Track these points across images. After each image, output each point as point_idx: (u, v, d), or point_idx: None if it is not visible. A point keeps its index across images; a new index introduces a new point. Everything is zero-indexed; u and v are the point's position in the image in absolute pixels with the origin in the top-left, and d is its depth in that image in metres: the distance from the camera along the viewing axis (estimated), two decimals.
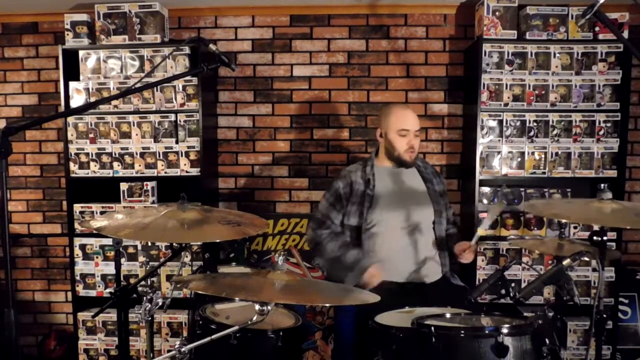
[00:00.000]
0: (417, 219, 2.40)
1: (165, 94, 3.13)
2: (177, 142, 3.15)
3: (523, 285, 3.03)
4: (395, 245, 2.38)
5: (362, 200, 2.41)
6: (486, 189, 3.13)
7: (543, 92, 3.05)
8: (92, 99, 3.10)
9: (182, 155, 3.14)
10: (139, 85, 1.80)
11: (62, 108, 3.19)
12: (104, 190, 3.25)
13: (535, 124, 3.06)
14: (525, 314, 1.94)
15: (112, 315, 3.17)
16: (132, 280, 2.89)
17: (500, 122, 3.06)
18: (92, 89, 3.15)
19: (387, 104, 3.38)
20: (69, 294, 3.44)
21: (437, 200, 2.47)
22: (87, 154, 3.18)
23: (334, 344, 3.07)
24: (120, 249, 2.36)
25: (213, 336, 1.54)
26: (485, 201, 3.12)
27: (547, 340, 1.68)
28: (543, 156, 3.07)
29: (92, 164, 3.18)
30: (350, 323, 2.38)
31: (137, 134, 3.15)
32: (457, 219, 2.62)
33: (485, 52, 3.02)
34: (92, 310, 3.15)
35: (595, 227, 1.87)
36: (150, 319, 1.89)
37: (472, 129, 3.14)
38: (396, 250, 2.37)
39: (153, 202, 3.19)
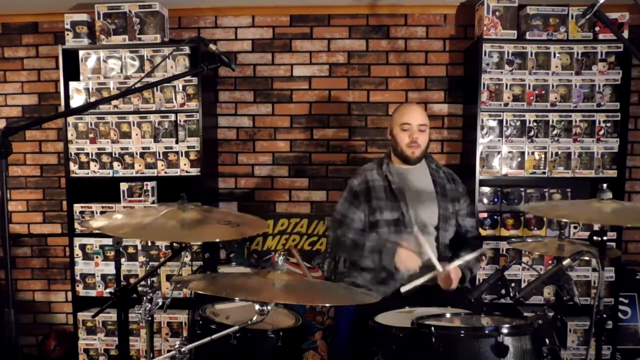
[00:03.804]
0: (424, 220, 2.38)
1: (165, 94, 3.13)
2: (177, 142, 3.15)
3: (523, 285, 3.03)
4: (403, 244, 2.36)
5: (387, 195, 2.39)
6: (486, 189, 3.13)
7: (543, 92, 3.05)
8: (92, 99, 3.10)
9: (182, 155, 3.14)
10: (139, 85, 1.80)
11: (62, 108, 3.19)
12: (104, 190, 3.25)
13: (535, 124, 3.06)
14: (525, 314, 1.94)
15: (112, 315, 3.17)
16: (132, 280, 2.89)
17: (500, 122, 3.06)
18: (92, 89, 3.15)
19: (386, 104, 3.41)
20: (69, 294, 3.44)
21: (444, 205, 2.42)
22: (87, 154, 3.17)
23: (331, 344, 3.07)
24: (120, 249, 2.36)
25: (213, 336, 1.54)
26: (485, 201, 3.12)
27: (547, 340, 1.68)
28: (543, 156, 3.07)
29: (92, 164, 3.18)
30: (347, 323, 2.37)
31: (137, 134, 3.15)
32: (474, 225, 2.58)
33: (485, 52, 3.02)
34: (92, 310, 3.15)
35: (596, 227, 1.87)
36: (150, 319, 1.89)
37: (472, 129, 3.14)
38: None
39: (153, 202, 3.19)
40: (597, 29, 3.02)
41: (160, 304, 1.90)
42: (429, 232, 2.40)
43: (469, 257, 2.23)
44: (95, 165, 3.18)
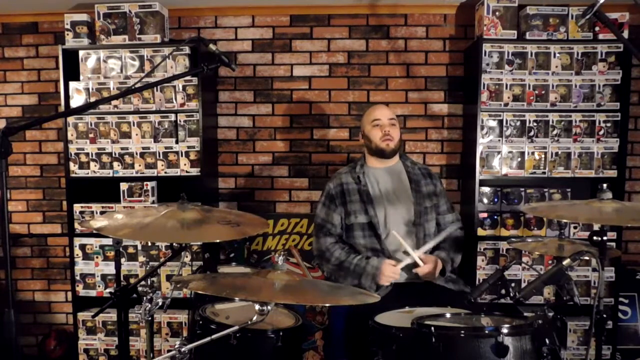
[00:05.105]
0: (400, 218, 2.41)
1: (165, 94, 3.13)
2: (177, 142, 3.15)
3: (523, 285, 3.03)
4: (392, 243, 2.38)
5: (361, 197, 2.42)
6: (486, 189, 3.13)
7: (543, 92, 3.05)
8: (92, 99, 3.10)
9: (182, 155, 3.14)
10: (139, 85, 1.80)
11: (62, 108, 3.19)
12: (104, 190, 3.25)
13: (535, 124, 3.06)
14: (525, 314, 1.94)
15: (112, 315, 3.17)
16: (132, 280, 2.89)
17: (500, 122, 3.06)
18: (92, 89, 3.15)
19: (386, 104, 3.40)
20: (69, 294, 3.44)
21: (420, 200, 2.44)
22: (87, 154, 3.17)
23: (327, 342, 3.08)
24: (120, 249, 2.37)
25: (213, 336, 1.54)
26: (485, 201, 3.12)
27: (547, 340, 1.68)
28: (543, 156, 3.07)
29: (92, 164, 3.18)
30: (342, 322, 2.38)
31: (137, 134, 3.15)
32: (456, 218, 2.59)
33: (485, 52, 3.02)
34: (92, 310, 3.15)
35: (596, 227, 1.87)
36: (150, 319, 1.89)
37: (472, 129, 3.14)
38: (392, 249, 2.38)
39: (153, 202, 3.19)
40: (597, 29, 3.02)
41: (160, 304, 1.90)
42: (407, 230, 2.41)
43: (432, 242, 2.33)
44: (95, 165, 3.18)
